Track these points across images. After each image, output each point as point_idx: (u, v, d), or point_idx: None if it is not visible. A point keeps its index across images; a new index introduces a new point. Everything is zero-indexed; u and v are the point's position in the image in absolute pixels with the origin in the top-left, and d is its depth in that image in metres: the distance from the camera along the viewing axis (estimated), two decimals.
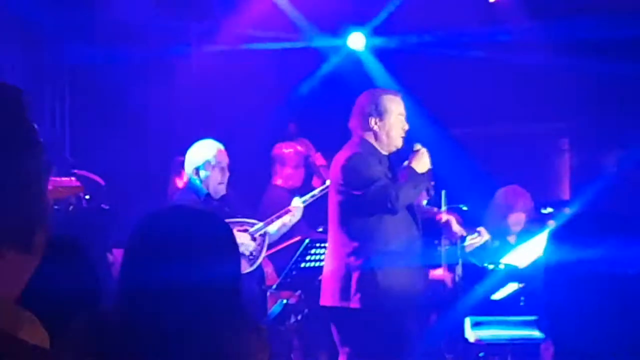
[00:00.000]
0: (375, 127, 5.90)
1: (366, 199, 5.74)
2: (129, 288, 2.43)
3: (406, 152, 6.05)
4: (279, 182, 8.03)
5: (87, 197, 6.81)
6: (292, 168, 8.03)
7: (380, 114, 5.89)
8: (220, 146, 6.68)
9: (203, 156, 6.61)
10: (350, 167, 5.80)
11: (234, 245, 2.56)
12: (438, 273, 7.16)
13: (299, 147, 8.08)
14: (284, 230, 6.87)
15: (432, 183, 6.10)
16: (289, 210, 6.81)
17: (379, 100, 5.94)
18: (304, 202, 6.87)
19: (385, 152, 5.95)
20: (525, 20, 9.29)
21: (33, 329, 1.47)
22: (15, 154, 1.45)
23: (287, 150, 8.09)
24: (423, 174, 5.92)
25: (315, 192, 6.89)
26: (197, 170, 6.60)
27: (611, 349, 2.13)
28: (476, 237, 7.03)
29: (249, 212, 6.87)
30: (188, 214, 2.58)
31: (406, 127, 5.95)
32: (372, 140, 5.91)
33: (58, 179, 5.95)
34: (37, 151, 1.50)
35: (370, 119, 5.90)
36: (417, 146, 5.98)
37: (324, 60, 9.46)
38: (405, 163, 5.99)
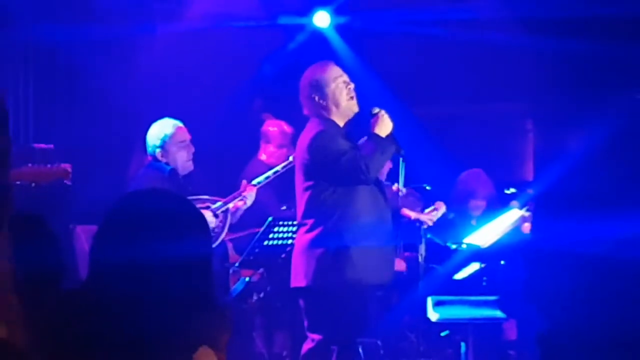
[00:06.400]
0: (322, 102, 5.81)
1: (336, 173, 5.65)
2: (102, 266, 2.46)
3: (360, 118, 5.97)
4: (263, 157, 8.08)
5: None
6: (275, 146, 8.06)
7: (317, 89, 5.82)
8: (179, 123, 6.65)
9: (162, 135, 6.58)
10: (317, 145, 5.71)
11: (207, 229, 2.62)
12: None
13: (285, 127, 8.05)
14: (241, 212, 6.75)
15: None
16: (241, 193, 6.69)
17: (311, 77, 5.88)
18: (256, 184, 6.77)
19: (342, 124, 5.86)
20: None
21: None
22: None
23: (272, 128, 8.14)
24: (387, 136, 5.82)
25: (269, 173, 6.81)
26: (157, 148, 6.56)
27: (595, 327, 2.15)
28: (433, 211, 7.05)
29: (212, 189, 6.83)
30: (164, 196, 2.64)
31: (352, 86, 5.87)
32: (327, 116, 5.82)
33: (42, 166, 5.90)
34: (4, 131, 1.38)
35: (313, 97, 5.83)
36: (375, 110, 5.88)
37: (290, 38, 9.43)
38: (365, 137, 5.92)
